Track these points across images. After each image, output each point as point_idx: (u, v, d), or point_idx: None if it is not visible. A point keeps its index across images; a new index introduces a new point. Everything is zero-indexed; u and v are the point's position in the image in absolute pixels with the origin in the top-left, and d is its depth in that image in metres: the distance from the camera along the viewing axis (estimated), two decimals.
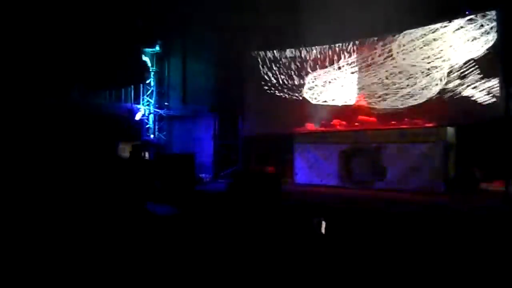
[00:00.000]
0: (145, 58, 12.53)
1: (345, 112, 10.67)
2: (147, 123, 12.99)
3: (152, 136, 13.02)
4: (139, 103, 12.61)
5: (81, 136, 7.91)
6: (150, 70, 12.89)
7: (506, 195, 7.27)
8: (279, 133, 11.26)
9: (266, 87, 12.04)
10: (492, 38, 8.56)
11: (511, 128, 7.82)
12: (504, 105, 8.10)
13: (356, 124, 10.03)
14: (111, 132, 9.71)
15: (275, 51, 11.96)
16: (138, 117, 12.15)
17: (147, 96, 12.94)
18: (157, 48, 12.76)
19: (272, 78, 11.98)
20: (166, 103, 13.20)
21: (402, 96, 9.93)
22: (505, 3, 7.95)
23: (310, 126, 10.71)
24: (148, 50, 12.65)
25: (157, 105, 13.11)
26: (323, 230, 2.09)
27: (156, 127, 13.26)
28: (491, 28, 8.58)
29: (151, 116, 13.09)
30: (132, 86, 12.09)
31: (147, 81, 12.87)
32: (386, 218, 5.60)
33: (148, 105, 12.94)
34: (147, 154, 11.85)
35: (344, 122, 10.33)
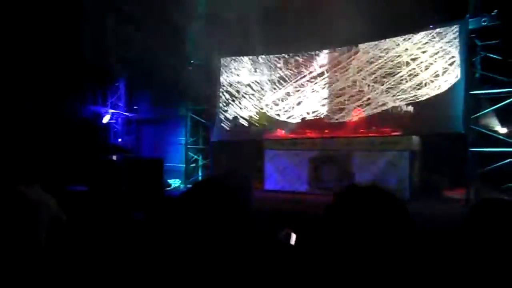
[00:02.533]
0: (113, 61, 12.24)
1: (315, 121, 10.80)
2: (114, 127, 12.67)
3: (119, 140, 12.71)
4: (106, 107, 12.29)
5: (45, 140, 7.59)
6: (119, 72, 12.60)
7: (467, 202, 7.57)
8: (249, 139, 11.29)
9: (237, 93, 12.04)
10: (454, 50, 8.90)
11: (471, 138, 8.19)
12: (464, 116, 8.47)
13: (326, 131, 10.17)
14: (77, 136, 9.38)
15: (245, 57, 12.00)
16: (105, 120, 11.84)
17: (115, 99, 12.64)
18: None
19: (243, 84, 12.00)
20: (134, 107, 12.92)
21: (367, 105, 10.15)
22: (466, 16, 8.28)
23: (280, 133, 10.77)
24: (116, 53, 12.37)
25: (125, 109, 12.81)
26: (292, 242, 2.05)
27: (124, 131, 12.96)
28: (454, 41, 8.92)
29: (119, 120, 12.79)
30: (100, 88, 11.76)
31: (115, 84, 12.58)
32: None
33: (115, 108, 12.63)
34: (114, 158, 11.54)
35: (314, 130, 10.45)
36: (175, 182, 11.54)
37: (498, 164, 7.78)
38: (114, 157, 11.49)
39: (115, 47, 11.54)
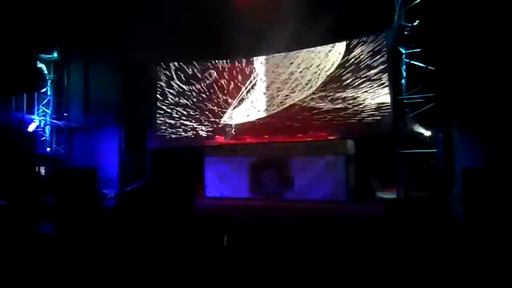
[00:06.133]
0: (40, 65, 11.44)
1: (255, 126, 10.91)
2: (42, 136, 11.82)
3: (48, 149, 11.87)
4: (33, 113, 11.43)
5: None
6: (47, 77, 11.81)
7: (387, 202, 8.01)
8: (188, 145, 11.13)
9: (175, 99, 11.82)
10: (382, 59, 9.44)
11: (400, 141, 8.72)
12: (393, 121, 9.01)
13: (265, 136, 10.29)
14: None
15: (182, 64, 11.85)
16: (31, 128, 10.99)
17: (42, 105, 11.81)
18: (55, 54, 11.77)
19: (180, 90, 11.82)
20: (65, 114, 12.15)
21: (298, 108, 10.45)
22: (392, 25, 8.81)
23: (220, 139, 10.72)
24: (44, 56, 11.60)
25: (54, 116, 12.00)
26: (225, 243, 2.04)
27: (54, 139, 12.13)
28: (381, 49, 9.45)
29: (48, 128, 11.95)
30: (25, 95, 10.90)
31: (43, 90, 11.76)
32: (290, 229, 5.76)
33: (44, 115, 11.80)
34: (42, 169, 10.77)
35: (253, 135, 10.53)
36: (111, 192, 10.99)
37: (424, 165, 8.35)
38: (42, 168, 10.75)
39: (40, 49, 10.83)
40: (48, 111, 11.89)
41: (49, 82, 11.95)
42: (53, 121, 11.95)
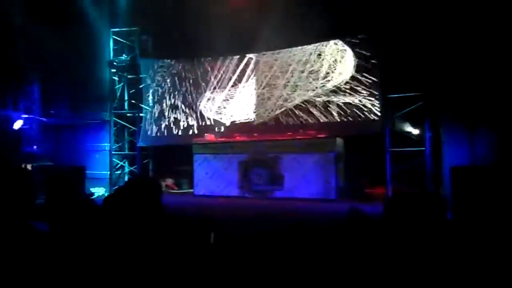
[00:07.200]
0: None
1: (244, 124, 10.88)
2: (28, 133, 11.61)
3: (35, 147, 11.67)
4: (18, 111, 11.23)
5: None
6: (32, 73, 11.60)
7: (387, 199, 8.09)
8: (178, 143, 11.06)
9: (164, 96, 11.73)
10: (371, 58, 9.46)
11: (388, 139, 8.79)
12: (381, 121, 9.07)
13: (255, 134, 10.27)
14: None
15: (172, 60, 11.76)
16: (17, 126, 10.79)
17: (28, 102, 11.60)
18: None
19: (169, 87, 11.73)
20: (51, 111, 11.95)
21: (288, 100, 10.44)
22: (384, 26, 8.84)
23: (210, 137, 10.66)
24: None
25: (41, 113, 11.80)
26: (212, 240, 2.04)
27: (40, 137, 11.92)
28: (372, 51, 9.46)
29: (33, 125, 11.75)
30: (10, 91, 10.71)
31: (29, 87, 11.55)
32: (279, 227, 5.76)
33: (29, 112, 11.59)
34: (28, 167, 10.59)
35: (243, 133, 10.49)
36: (98, 191, 10.88)
37: (412, 163, 8.43)
38: (29, 166, 10.56)
39: (26, 46, 10.62)
40: (34, 109, 11.68)
41: (36, 78, 11.74)
42: (39, 118, 11.75)
